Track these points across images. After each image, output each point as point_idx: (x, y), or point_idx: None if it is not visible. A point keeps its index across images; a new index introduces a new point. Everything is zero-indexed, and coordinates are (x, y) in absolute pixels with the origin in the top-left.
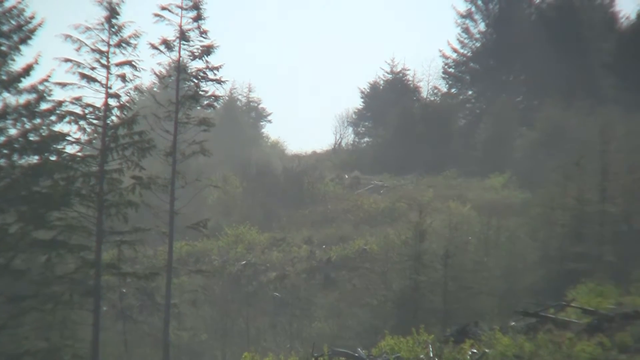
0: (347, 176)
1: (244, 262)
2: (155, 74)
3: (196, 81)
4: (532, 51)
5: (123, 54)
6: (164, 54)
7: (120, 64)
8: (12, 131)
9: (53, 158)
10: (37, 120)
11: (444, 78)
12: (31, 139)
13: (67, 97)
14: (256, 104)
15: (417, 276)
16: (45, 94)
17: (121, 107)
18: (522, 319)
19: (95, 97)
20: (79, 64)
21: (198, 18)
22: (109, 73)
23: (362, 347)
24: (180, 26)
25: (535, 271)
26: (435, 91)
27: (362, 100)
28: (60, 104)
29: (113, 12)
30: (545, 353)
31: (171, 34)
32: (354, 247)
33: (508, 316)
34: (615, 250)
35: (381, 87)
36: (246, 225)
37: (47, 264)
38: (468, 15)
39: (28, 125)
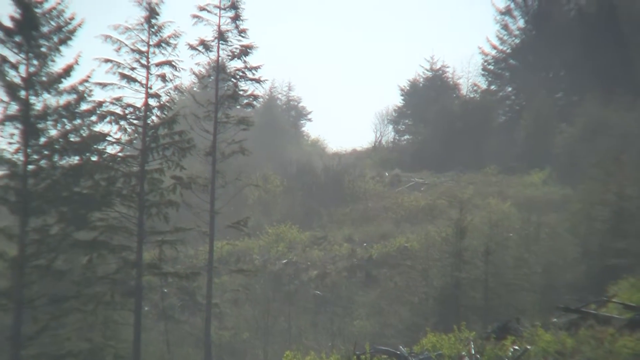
0: (387, 174)
1: (285, 261)
2: (194, 73)
3: (235, 81)
4: (571, 47)
5: (163, 54)
6: (203, 54)
7: (160, 64)
8: (53, 132)
9: (94, 158)
10: (78, 121)
11: (483, 75)
12: (72, 139)
13: (108, 97)
14: (296, 103)
15: (458, 273)
16: (85, 95)
17: (161, 107)
18: (563, 315)
19: (135, 97)
20: (119, 64)
21: (236, 18)
22: (148, 73)
23: (403, 344)
24: (219, 26)
25: (576, 267)
26: (475, 88)
27: (402, 97)
28: (100, 104)
29: (152, 12)
30: (587, 349)
31: (210, 34)
32: (394, 244)
33: (549, 312)
34: None
35: (421, 85)
36: (287, 224)
37: (89, 265)
38: (507, 12)
39: (68, 126)
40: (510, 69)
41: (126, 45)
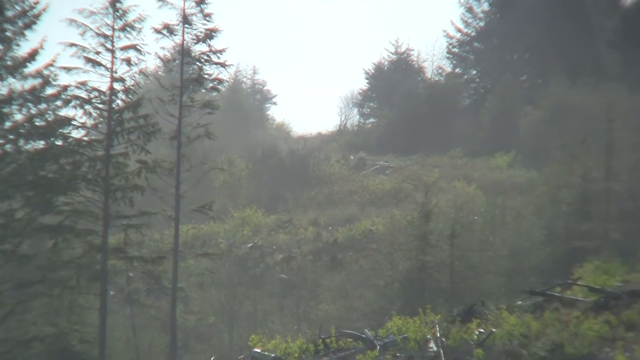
0: (352, 157)
1: (250, 245)
2: (159, 57)
3: (200, 64)
4: (536, 30)
5: (128, 38)
6: (168, 37)
7: (125, 48)
8: (18, 116)
9: (59, 143)
10: (43, 105)
11: (448, 58)
12: (37, 124)
13: (73, 81)
14: (261, 86)
15: (424, 256)
16: (50, 79)
17: (126, 91)
18: (528, 298)
19: (100, 81)
20: (84, 48)
21: (201, 2)
22: (113, 57)
23: (369, 328)
24: (184, 10)
25: (542, 250)
26: (440, 71)
27: (366, 81)
28: (65, 88)
29: None
30: (552, 332)
31: (174, 18)
32: (360, 228)
33: (515, 295)
34: (621, 228)
35: (386, 68)
36: (252, 207)
37: (54, 249)
38: None
39: (34, 110)
40: (475, 52)
41: (91, 29)
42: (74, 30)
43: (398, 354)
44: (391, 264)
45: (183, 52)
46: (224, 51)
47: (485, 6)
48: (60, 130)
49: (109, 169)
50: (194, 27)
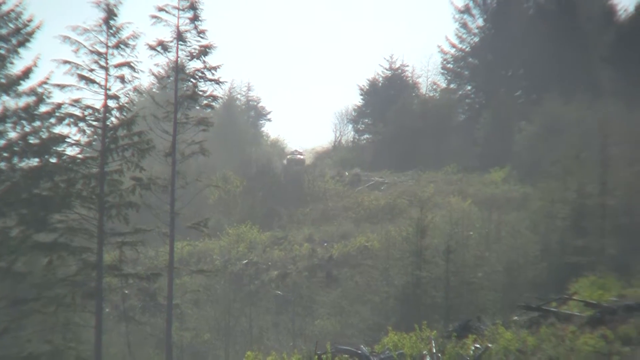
0: (347, 173)
1: (245, 261)
2: (153, 74)
3: (194, 81)
4: (531, 45)
5: (122, 55)
6: (162, 54)
7: (119, 65)
8: (12, 134)
9: (53, 160)
10: (37, 123)
11: (442, 74)
12: (31, 141)
13: (67, 99)
14: (255, 103)
15: (419, 272)
16: (44, 97)
17: (120, 109)
18: (524, 313)
19: (94, 98)
20: (77, 66)
21: (195, 19)
22: (107, 74)
23: (365, 344)
24: (178, 27)
25: (537, 265)
26: (434, 87)
27: (361, 97)
28: (59, 106)
29: (111, 14)
30: (548, 347)
31: (169, 35)
32: (355, 244)
33: (510, 310)
34: (617, 243)
35: (380, 84)
36: (247, 224)
37: (49, 267)
38: (466, 11)
39: (28, 128)
40: (470, 67)
41: (85, 46)
42: (67, 47)
43: None
44: (386, 279)
45: (177, 68)
46: (219, 68)
47: (480, 22)
48: (54, 148)
49: (104, 186)
50: (188, 43)
